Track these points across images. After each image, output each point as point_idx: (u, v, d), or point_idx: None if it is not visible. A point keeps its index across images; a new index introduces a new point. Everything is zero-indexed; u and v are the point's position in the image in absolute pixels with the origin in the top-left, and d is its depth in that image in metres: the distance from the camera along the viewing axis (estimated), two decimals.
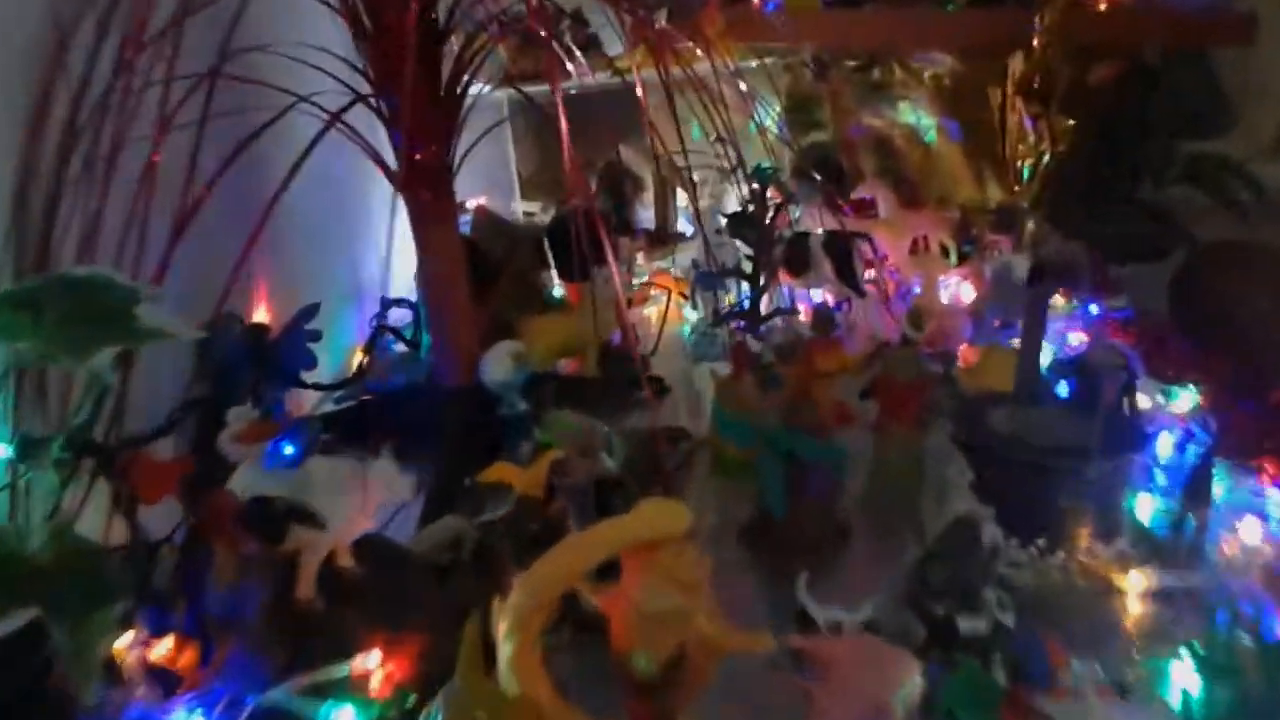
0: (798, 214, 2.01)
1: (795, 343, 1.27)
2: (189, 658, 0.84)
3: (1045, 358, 1.57)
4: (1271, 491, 1.21)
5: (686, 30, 1.61)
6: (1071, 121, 1.90)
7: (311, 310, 1.34)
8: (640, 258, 1.93)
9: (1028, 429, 1.11)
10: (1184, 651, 0.86)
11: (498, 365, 1.25)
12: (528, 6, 1.14)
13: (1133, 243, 2.02)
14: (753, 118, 1.64)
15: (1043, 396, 1.18)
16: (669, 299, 1.65)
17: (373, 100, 1.17)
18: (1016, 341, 1.44)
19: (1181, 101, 2.00)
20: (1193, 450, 1.25)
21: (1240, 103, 2.00)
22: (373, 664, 0.81)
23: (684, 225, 2.31)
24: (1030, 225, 1.95)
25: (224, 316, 1.17)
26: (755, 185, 1.60)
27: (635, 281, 1.91)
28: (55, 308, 0.72)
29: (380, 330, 1.53)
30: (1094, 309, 1.70)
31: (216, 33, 1.18)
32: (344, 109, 1.07)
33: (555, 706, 0.64)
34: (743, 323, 1.57)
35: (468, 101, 1.25)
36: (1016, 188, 1.98)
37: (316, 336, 1.36)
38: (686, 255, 2.18)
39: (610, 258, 1.21)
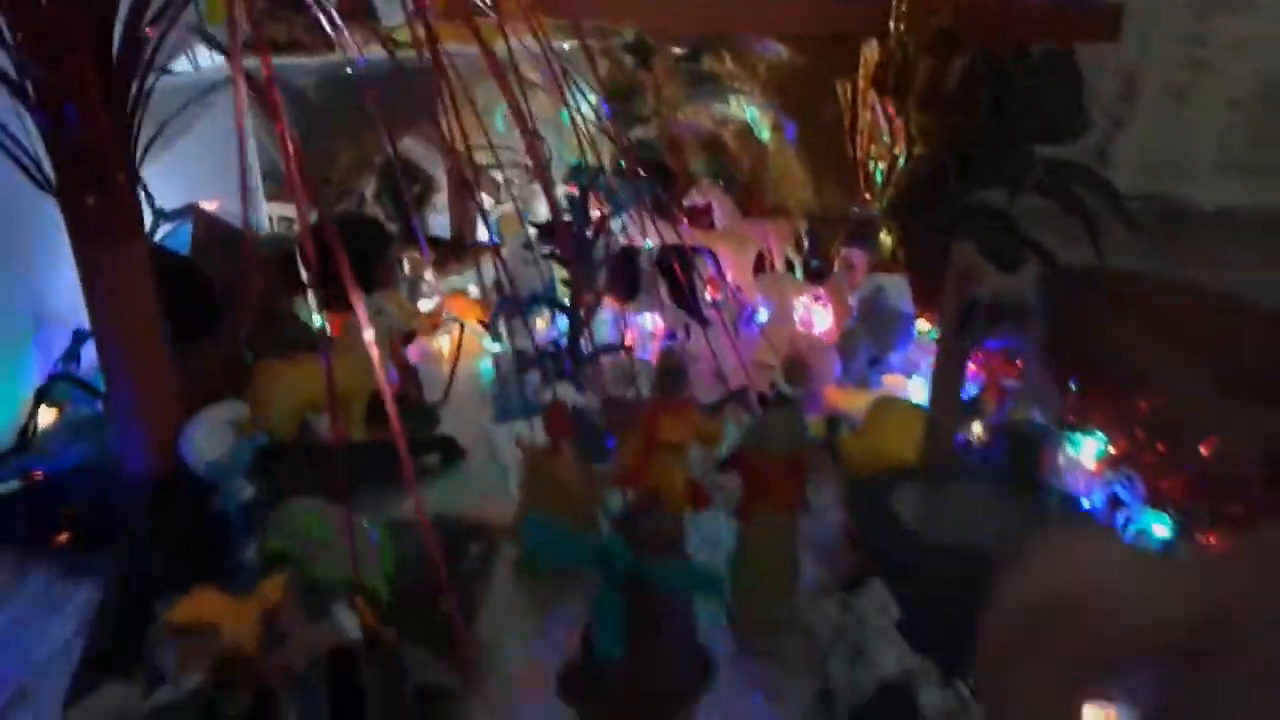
0: (623, 224, 1.70)
1: (630, 409, 0.93)
2: None
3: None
4: None
5: None
6: (931, 118, 1.65)
7: None
8: (430, 275, 1.56)
9: (946, 517, 0.82)
10: None
11: (207, 441, 0.87)
12: None
13: (988, 255, 1.87)
14: (566, 105, 1.31)
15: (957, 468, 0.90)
16: (461, 331, 1.26)
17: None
18: (895, 383, 1.17)
19: (1041, 103, 1.83)
20: (1124, 519, 1.01)
21: None
22: None
23: (486, 234, 1.95)
24: (884, 237, 1.71)
25: None
26: (573, 189, 1.27)
27: (424, 304, 1.53)
28: None
29: (57, 380, 1.11)
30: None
31: None
32: None
33: None
34: (558, 366, 1.21)
35: (160, 66, 0.86)
36: (868, 194, 1.72)
37: None
38: (490, 269, 1.83)
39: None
